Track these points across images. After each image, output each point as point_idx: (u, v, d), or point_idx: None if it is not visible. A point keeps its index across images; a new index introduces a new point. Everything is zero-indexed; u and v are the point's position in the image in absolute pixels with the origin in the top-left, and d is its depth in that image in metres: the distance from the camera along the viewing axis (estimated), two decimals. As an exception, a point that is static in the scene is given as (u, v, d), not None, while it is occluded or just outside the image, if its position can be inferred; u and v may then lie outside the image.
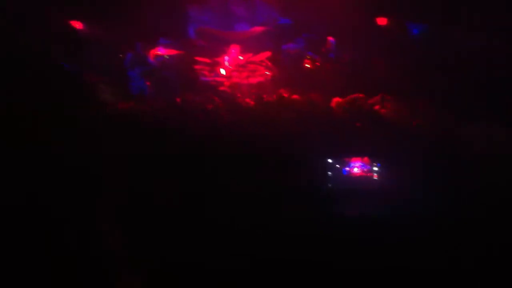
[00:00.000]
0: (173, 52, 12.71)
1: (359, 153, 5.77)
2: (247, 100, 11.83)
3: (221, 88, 12.32)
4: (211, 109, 10.47)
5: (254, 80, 12.73)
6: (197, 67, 12.72)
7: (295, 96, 11.90)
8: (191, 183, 5.89)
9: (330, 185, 5.72)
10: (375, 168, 5.68)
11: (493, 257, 4.74)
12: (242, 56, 12.89)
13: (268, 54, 13.02)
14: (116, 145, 5.94)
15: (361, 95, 10.63)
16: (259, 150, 6.23)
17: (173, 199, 5.60)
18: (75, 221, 4.04)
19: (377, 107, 9.69)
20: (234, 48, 12.88)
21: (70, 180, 4.61)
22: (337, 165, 5.70)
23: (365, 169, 5.71)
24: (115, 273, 4.01)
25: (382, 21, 13.16)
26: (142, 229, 4.73)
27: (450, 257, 4.80)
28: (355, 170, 5.71)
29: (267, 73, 12.82)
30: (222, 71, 12.69)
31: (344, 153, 5.79)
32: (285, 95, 12.46)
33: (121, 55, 12.21)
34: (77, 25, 12.04)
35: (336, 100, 10.24)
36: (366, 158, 5.72)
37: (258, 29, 13.72)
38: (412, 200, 5.38)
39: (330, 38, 12.88)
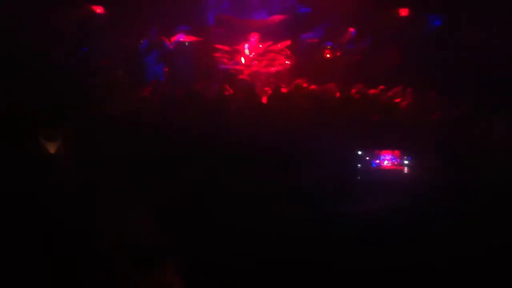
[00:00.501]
0: (192, 38, 12.67)
1: (389, 146, 5.69)
2: (266, 88, 11.78)
3: (240, 77, 12.27)
4: (228, 97, 10.41)
5: (273, 69, 12.68)
6: (216, 54, 12.69)
7: (313, 86, 11.86)
8: (207, 177, 5.86)
9: (359, 178, 5.65)
10: (406, 162, 5.60)
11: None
12: (261, 45, 12.82)
13: (287, 43, 12.96)
14: (120, 141, 5.91)
15: (381, 86, 10.57)
16: (278, 143, 6.17)
17: (185, 196, 5.58)
18: (75, 221, 4.02)
19: (398, 99, 9.64)
20: (253, 37, 12.82)
21: (71, 180, 4.59)
22: (366, 158, 5.63)
23: (395, 162, 5.64)
24: (118, 272, 3.99)
25: (404, 12, 13.11)
26: (145, 228, 4.70)
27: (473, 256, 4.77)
28: (385, 163, 5.64)
29: (287, 62, 12.76)
30: (242, 60, 12.64)
31: (374, 146, 5.72)
32: (305, 85, 12.43)
33: (139, 41, 12.17)
34: (98, 9, 12.06)
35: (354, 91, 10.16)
36: (396, 151, 5.65)
37: (277, 17, 13.68)
38: (440, 193, 5.34)
39: (351, 29, 12.80)
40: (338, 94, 10.11)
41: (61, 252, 3.62)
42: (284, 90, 11.41)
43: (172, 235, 4.81)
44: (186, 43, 12.46)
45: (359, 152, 5.68)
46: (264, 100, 10.19)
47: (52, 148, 4.64)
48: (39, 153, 4.42)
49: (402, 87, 10.24)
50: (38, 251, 3.60)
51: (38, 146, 4.45)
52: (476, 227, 5.00)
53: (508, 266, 4.59)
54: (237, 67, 12.61)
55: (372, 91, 10.29)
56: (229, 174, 5.82)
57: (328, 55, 12.96)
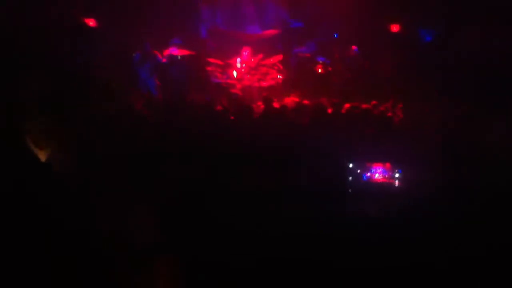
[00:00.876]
0: (185, 52, 12.68)
1: (380, 159, 5.69)
2: (258, 103, 11.78)
3: (232, 91, 12.28)
4: (220, 110, 10.41)
5: (265, 83, 12.70)
6: (209, 68, 12.70)
7: (306, 101, 11.88)
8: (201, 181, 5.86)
9: (349, 190, 5.64)
10: (397, 175, 5.60)
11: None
12: (253, 59, 12.85)
13: (280, 57, 13.00)
14: (117, 143, 5.90)
15: (373, 102, 10.60)
16: (270, 153, 6.18)
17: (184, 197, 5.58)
18: (74, 220, 3.98)
19: (389, 113, 9.66)
20: (246, 51, 12.85)
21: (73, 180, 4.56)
22: (357, 171, 5.62)
23: (386, 175, 5.63)
24: (118, 271, 3.95)
25: (395, 27, 13.20)
26: (144, 226, 4.67)
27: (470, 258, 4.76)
28: (376, 176, 5.63)
29: (279, 76, 12.80)
30: (234, 73, 12.65)
31: (365, 159, 5.72)
32: (297, 99, 12.46)
33: (132, 53, 12.18)
34: (90, 22, 12.07)
35: (348, 105, 10.17)
36: (387, 164, 5.64)
37: (270, 31, 13.76)
38: (429, 203, 5.35)
39: (354, 47, 12.86)
40: (330, 110, 10.11)
41: (60, 252, 3.58)
42: (276, 104, 11.43)
43: (172, 234, 4.80)
44: (179, 57, 12.46)
45: (350, 165, 5.68)
46: (256, 114, 10.21)
47: (50, 147, 4.61)
48: (37, 153, 4.39)
49: (393, 101, 10.28)
50: (37, 250, 3.56)
51: (37, 145, 4.42)
52: (475, 228, 5.00)
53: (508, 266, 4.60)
54: (230, 81, 12.62)
55: (364, 106, 10.31)
56: (227, 174, 5.85)
57: (320, 70, 12.99)
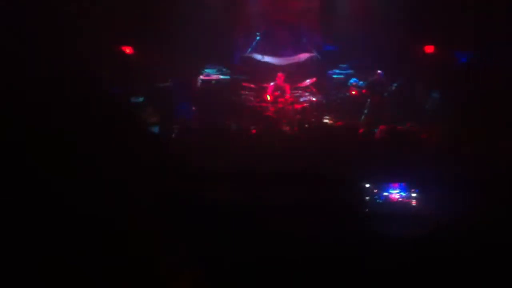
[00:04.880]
0: (219, 77, 13.00)
1: (397, 179, 5.73)
2: (292, 125, 11.93)
3: (266, 114, 12.45)
4: (254, 133, 10.60)
5: (299, 105, 12.84)
6: (243, 92, 12.94)
7: (339, 123, 11.97)
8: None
9: (366, 210, 5.69)
10: (414, 194, 5.62)
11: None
12: (287, 82, 13.03)
13: (313, 80, 13.12)
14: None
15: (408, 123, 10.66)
16: (297, 172, 6.30)
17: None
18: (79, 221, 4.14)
19: (423, 135, 9.68)
20: (279, 74, 13.04)
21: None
22: (374, 190, 5.67)
23: (403, 195, 5.66)
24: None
25: (429, 49, 13.17)
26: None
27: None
28: (393, 195, 5.67)
29: (313, 99, 12.91)
30: (268, 97, 12.85)
31: (382, 179, 5.77)
32: (330, 121, 12.56)
33: (167, 80, 12.52)
34: (127, 50, 12.54)
35: (379, 127, 10.20)
36: (404, 184, 5.68)
37: (303, 55, 13.95)
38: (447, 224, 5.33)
39: (379, 71, 12.89)
40: (361, 130, 10.17)
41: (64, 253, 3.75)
42: (309, 126, 11.56)
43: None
44: (213, 82, 12.75)
45: (367, 185, 5.73)
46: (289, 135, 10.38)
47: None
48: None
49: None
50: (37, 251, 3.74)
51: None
52: (496, 251, 4.95)
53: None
54: (263, 104, 12.80)
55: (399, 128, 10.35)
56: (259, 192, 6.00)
57: (353, 92, 13.05)
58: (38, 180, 4.13)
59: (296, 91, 13.12)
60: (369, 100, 12.74)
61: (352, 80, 13.18)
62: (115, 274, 3.95)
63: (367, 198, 5.76)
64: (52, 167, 4.46)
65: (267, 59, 13.98)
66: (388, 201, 5.73)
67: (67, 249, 3.97)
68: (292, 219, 5.55)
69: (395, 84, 12.70)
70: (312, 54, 13.90)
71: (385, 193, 5.73)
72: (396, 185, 5.72)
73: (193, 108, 12.54)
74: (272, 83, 12.91)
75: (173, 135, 10.28)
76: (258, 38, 13.78)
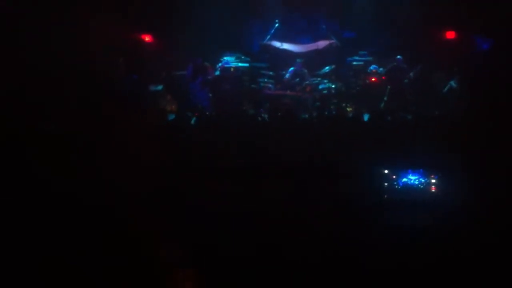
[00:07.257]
0: (237, 64, 12.95)
1: (417, 165, 5.67)
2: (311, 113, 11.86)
3: (284, 101, 12.40)
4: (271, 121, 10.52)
5: (317, 93, 12.76)
6: (261, 80, 12.89)
7: (358, 110, 11.86)
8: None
9: (385, 196, 5.64)
10: (433, 180, 5.55)
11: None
12: (306, 69, 12.94)
13: (332, 67, 13.03)
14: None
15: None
16: (316, 162, 6.27)
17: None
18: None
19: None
20: (298, 61, 12.96)
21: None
22: (393, 176, 5.62)
23: (422, 181, 5.60)
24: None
25: (450, 34, 12.98)
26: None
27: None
28: (412, 181, 5.61)
29: (332, 86, 12.81)
30: (286, 84, 12.79)
31: (402, 165, 5.71)
32: (349, 109, 12.46)
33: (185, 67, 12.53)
34: (147, 37, 12.59)
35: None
36: (424, 170, 5.62)
37: (322, 42, 13.83)
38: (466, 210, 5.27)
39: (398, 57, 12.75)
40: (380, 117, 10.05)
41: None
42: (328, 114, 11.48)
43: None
44: (231, 69, 12.70)
45: (386, 171, 5.68)
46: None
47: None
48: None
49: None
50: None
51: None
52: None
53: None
54: (281, 91, 12.74)
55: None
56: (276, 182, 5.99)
57: (373, 79, 12.91)
58: (39, 177, 4.17)
59: (315, 78, 13.04)
60: (389, 87, 12.61)
61: (372, 67, 13.05)
62: (115, 273, 3.97)
63: (386, 184, 5.72)
64: (52, 167, 4.50)
65: (286, 46, 13.87)
66: (407, 187, 5.68)
67: (67, 249, 4.01)
68: (315, 211, 5.54)
69: (414, 71, 12.53)
70: (331, 41, 13.74)
71: (404, 179, 5.68)
72: (415, 171, 5.66)
73: (210, 95, 12.50)
74: (291, 70, 12.84)
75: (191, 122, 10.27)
76: (277, 25, 13.64)
